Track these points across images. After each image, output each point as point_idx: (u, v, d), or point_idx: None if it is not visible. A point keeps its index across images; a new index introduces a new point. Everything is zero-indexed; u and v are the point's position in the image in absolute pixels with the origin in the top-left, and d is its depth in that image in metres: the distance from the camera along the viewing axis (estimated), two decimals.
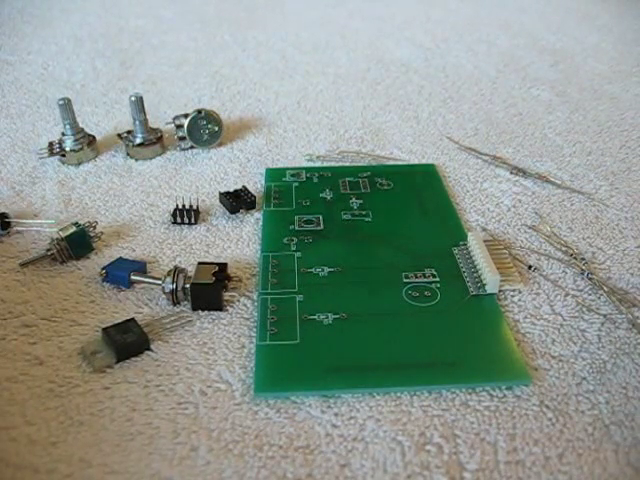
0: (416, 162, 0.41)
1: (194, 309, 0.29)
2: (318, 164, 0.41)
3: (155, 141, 0.42)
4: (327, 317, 0.28)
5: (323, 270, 0.31)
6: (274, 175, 0.39)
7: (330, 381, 0.25)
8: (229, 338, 0.28)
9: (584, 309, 0.29)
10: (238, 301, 0.30)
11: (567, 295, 0.30)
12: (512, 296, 0.30)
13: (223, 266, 0.30)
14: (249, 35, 0.64)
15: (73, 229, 0.32)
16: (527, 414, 0.24)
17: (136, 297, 0.30)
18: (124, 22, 0.68)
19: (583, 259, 0.32)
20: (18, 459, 0.22)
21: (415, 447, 0.23)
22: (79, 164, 0.41)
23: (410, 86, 0.53)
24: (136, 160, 0.42)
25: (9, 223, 0.34)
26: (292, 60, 0.58)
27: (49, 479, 0.22)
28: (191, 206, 0.35)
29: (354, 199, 0.37)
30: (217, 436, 0.23)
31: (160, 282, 0.29)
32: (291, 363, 0.26)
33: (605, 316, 0.28)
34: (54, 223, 0.34)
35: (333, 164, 0.41)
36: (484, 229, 0.35)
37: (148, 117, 0.42)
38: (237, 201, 0.36)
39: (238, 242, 0.34)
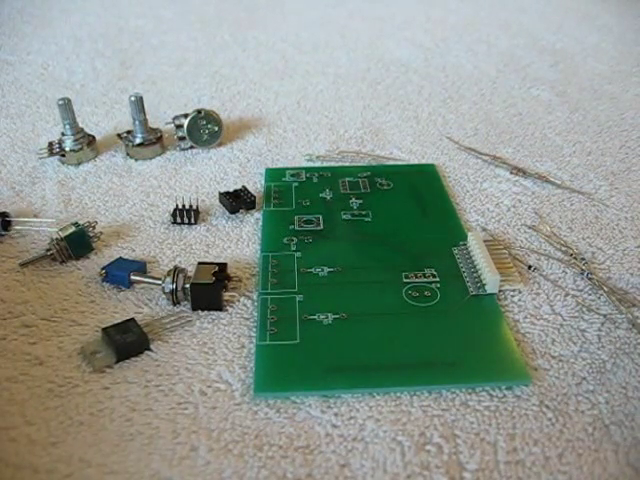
0: (416, 162, 0.41)
1: (194, 309, 0.29)
2: (318, 164, 0.41)
3: (155, 141, 0.42)
4: (327, 317, 0.28)
5: (323, 270, 0.31)
6: (274, 175, 0.39)
7: (330, 381, 0.25)
8: (229, 338, 0.28)
9: (584, 309, 0.29)
10: (238, 301, 0.30)
11: (567, 295, 0.30)
12: (512, 296, 0.30)
13: (223, 266, 0.30)
14: (249, 35, 0.64)
15: (73, 229, 0.32)
16: (527, 414, 0.24)
17: (136, 297, 0.30)
18: (124, 22, 0.68)
19: (583, 259, 0.32)
20: (18, 459, 0.22)
21: (415, 447, 0.23)
22: (79, 164, 0.41)
23: (410, 86, 0.53)
24: (136, 160, 0.42)
25: (9, 223, 0.34)
26: (292, 60, 0.58)
27: (49, 479, 0.22)
28: (191, 206, 0.35)
29: (354, 199, 0.37)
30: (217, 436, 0.23)
31: (160, 282, 0.29)
32: (291, 363, 0.26)
33: (605, 316, 0.28)
34: (54, 223, 0.34)
35: (333, 164, 0.41)
36: (484, 229, 0.35)
37: (148, 117, 0.42)
38: (237, 201, 0.36)
39: (238, 242, 0.34)
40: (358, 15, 0.70)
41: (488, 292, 0.29)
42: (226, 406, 0.24)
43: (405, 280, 0.30)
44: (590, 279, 0.30)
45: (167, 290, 0.29)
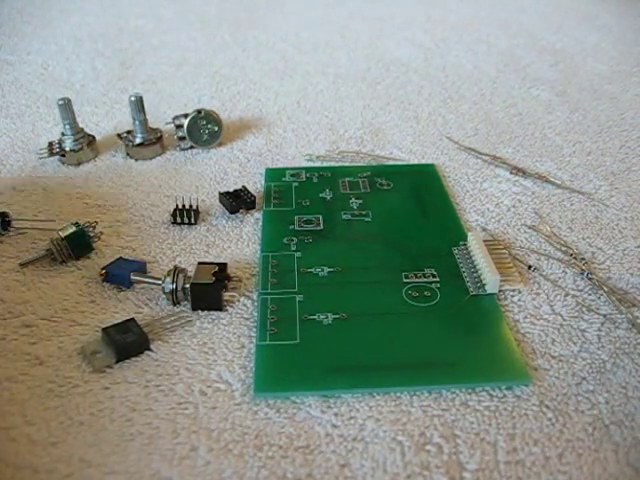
0: (416, 162, 0.41)
1: (194, 309, 0.29)
2: (318, 164, 0.41)
3: (155, 141, 0.42)
4: (327, 317, 0.28)
5: (323, 270, 0.31)
6: (274, 175, 0.39)
7: (330, 381, 0.25)
8: (229, 338, 0.28)
9: (584, 309, 0.29)
10: (238, 301, 0.30)
11: (567, 295, 0.30)
12: (512, 296, 0.30)
13: (223, 266, 0.30)
14: (249, 35, 0.64)
15: (73, 229, 0.32)
16: (527, 414, 0.24)
17: (136, 297, 0.30)
18: (124, 22, 0.68)
19: (583, 259, 0.32)
20: (18, 459, 0.22)
21: (415, 447, 0.23)
22: (79, 164, 0.41)
23: (410, 86, 0.53)
24: (136, 160, 0.42)
25: (9, 223, 0.34)
26: (292, 60, 0.58)
27: (49, 479, 0.22)
28: (191, 206, 0.35)
29: (354, 199, 0.37)
30: (217, 436, 0.23)
31: (160, 282, 0.29)
32: (291, 363, 0.26)
33: (605, 316, 0.28)
34: (54, 223, 0.34)
35: (333, 164, 0.41)
36: (484, 229, 0.35)
37: (148, 117, 0.42)
38: (237, 201, 0.36)
39: (238, 242, 0.34)
40: (358, 15, 0.70)
41: (488, 292, 0.29)
42: (226, 406, 0.24)
43: (405, 280, 0.30)
44: (590, 279, 0.30)
45: (167, 290, 0.29)
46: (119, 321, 0.27)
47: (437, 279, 0.30)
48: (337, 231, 0.34)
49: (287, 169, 0.40)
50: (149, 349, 0.27)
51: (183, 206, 0.35)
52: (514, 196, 0.38)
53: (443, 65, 0.57)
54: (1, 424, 0.24)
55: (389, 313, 0.28)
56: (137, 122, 0.41)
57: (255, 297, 0.30)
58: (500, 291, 0.30)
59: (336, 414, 0.24)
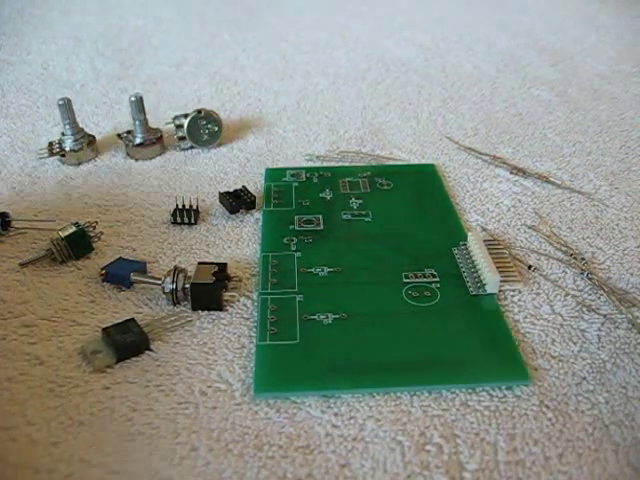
0: (416, 162, 0.41)
1: (194, 309, 0.29)
2: (318, 164, 0.41)
3: (155, 141, 0.42)
4: (327, 317, 0.28)
5: (323, 270, 0.31)
6: (274, 175, 0.39)
7: (330, 381, 0.25)
8: (229, 338, 0.28)
9: (584, 309, 0.29)
10: (238, 301, 0.30)
11: (567, 295, 0.30)
12: (512, 296, 0.30)
13: (223, 266, 0.30)
14: (249, 35, 0.64)
15: (73, 229, 0.32)
16: (527, 414, 0.24)
17: (136, 297, 0.30)
18: (124, 22, 0.68)
19: (583, 259, 0.32)
20: (18, 459, 0.22)
21: (415, 447, 0.23)
22: (79, 164, 0.41)
23: (410, 86, 0.53)
24: (136, 160, 0.42)
25: (9, 223, 0.34)
26: (292, 60, 0.58)
27: (49, 479, 0.22)
28: (191, 206, 0.35)
29: (354, 199, 0.37)
30: (217, 436, 0.23)
31: (160, 282, 0.29)
32: (291, 363, 0.26)
33: (605, 316, 0.28)
34: (54, 223, 0.34)
35: (333, 164, 0.41)
36: (484, 229, 0.35)
37: (148, 117, 0.42)
38: (237, 201, 0.36)
39: (238, 242, 0.34)
40: (358, 15, 0.70)
41: (488, 292, 0.29)
42: (226, 406, 0.24)
43: (405, 280, 0.30)
44: (590, 279, 0.30)
45: (167, 290, 0.29)
46: (119, 321, 0.27)
47: (437, 279, 0.30)
48: (337, 231, 0.34)
49: (287, 169, 0.40)
50: (149, 349, 0.27)
51: (183, 206, 0.35)
52: (514, 196, 0.38)
53: (443, 65, 0.57)
54: (2, 424, 0.24)
55: (389, 313, 0.28)
56: (137, 122, 0.41)
57: (255, 297, 0.30)
58: (500, 291, 0.30)
59: (336, 414, 0.24)
